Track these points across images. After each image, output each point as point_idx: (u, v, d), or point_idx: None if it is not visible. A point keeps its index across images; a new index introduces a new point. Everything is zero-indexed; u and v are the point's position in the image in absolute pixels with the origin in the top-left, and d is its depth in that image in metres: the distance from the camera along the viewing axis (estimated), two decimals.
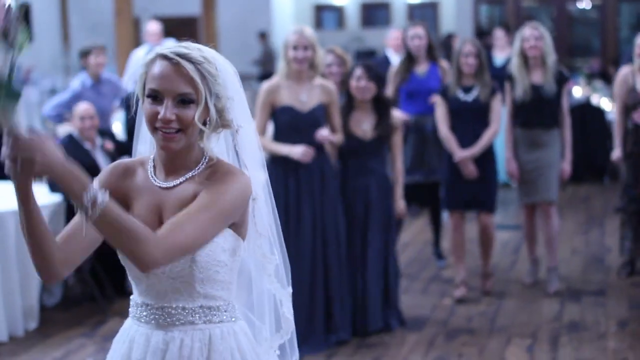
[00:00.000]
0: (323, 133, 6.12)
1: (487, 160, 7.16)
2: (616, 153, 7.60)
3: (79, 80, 8.91)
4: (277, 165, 6.13)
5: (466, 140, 7.07)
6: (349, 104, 6.48)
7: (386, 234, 6.51)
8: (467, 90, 7.07)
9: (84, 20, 17.82)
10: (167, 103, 2.54)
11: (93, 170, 7.04)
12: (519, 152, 7.43)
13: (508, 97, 7.37)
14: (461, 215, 7.31)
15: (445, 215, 8.46)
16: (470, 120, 7.08)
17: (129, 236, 2.37)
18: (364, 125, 6.44)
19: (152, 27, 10.81)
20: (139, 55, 10.72)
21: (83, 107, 7.27)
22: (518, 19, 17.37)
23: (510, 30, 13.30)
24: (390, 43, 9.97)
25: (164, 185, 2.63)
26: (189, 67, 2.55)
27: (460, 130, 7.10)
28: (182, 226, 2.46)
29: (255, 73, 17.88)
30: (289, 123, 6.12)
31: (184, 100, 2.55)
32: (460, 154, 7.06)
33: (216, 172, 2.60)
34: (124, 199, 2.63)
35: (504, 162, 7.49)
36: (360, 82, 6.37)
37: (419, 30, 8.02)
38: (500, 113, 7.17)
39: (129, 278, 2.67)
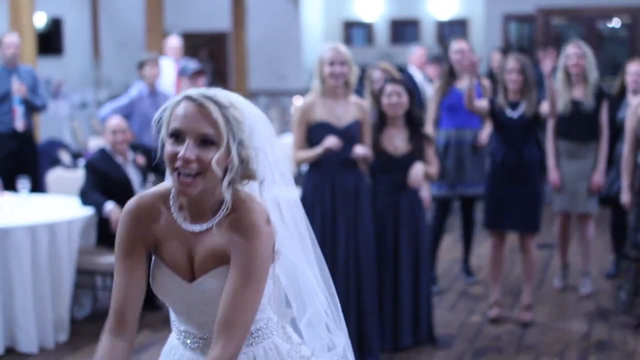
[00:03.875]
0: (359, 151, 6.12)
1: (533, 179, 7.07)
2: (625, 197, 7.05)
3: (136, 89, 9.17)
4: (315, 176, 6.16)
5: (510, 157, 6.99)
6: (381, 121, 6.44)
7: (417, 248, 6.48)
8: (513, 106, 7.00)
9: (115, 35, 17.93)
10: (188, 143, 2.51)
11: (125, 184, 7.14)
12: (560, 162, 7.75)
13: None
14: (502, 236, 7.24)
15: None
16: (515, 136, 6.99)
17: None
18: (396, 142, 6.40)
19: (174, 42, 11.00)
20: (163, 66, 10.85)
21: (115, 121, 7.32)
22: (547, 36, 17.34)
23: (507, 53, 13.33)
24: (414, 61, 9.95)
25: (190, 230, 2.62)
26: (213, 108, 2.52)
27: (505, 146, 7.01)
28: (240, 314, 2.51)
29: (284, 89, 17.95)
30: (325, 138, 6.11)
31: (205, 141, 2.52)
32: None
33: (240, 221, 2.58)
34: (153, 243, 2.66)
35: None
36: (391, 99, 6.37)
37: (462, 45, 8.03)
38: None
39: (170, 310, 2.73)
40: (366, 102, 6.43)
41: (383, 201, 6.42)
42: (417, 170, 6.33)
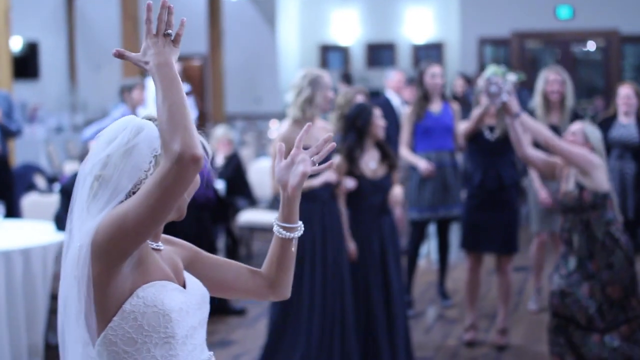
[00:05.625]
0: (350, 184, 6.17)
1: (511, 201, 7.13)
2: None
3: (119, 111, 9.09)
4: (304, 204, 6.13)
5: (489, 180, 7.07)
6: (360, 145, 6.37)
7: (398, 272, 6.46)
8: (491, 129, 7.11)
9: (91, 58, 17.93)
10: None
11: None
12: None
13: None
14: (479, 257, 7.29)
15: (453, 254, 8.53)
16: (493, 158, 7.09)
17: None
18: (372, 165, 6.36)
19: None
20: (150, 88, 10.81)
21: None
22: (523, 60, 17.46)
23: (471, 81, 13.48)
24: (391, 85, 9.99)
25: (155, 246, 2.51)
26: None
27: (483, 168, 7.10)
28: None
29: (260, 112, 17.98)
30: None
31: None
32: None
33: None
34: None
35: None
36: (381, 121, 6.37)
37: (436, 69, 8.10)
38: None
39: (170, 350, 2.42)
40: (330, 125, 6.48)
41: (367, 227, 6.33)
42: (398, 192, 6.39)
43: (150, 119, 2.49)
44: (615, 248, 5.63)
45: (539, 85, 7.70)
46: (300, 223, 2.66)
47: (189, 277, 2.56)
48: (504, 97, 6.72)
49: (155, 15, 2.39)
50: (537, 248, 8.18)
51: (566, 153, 5.67)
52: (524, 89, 13.44)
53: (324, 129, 6.22)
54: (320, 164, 2.68)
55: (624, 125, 7.69)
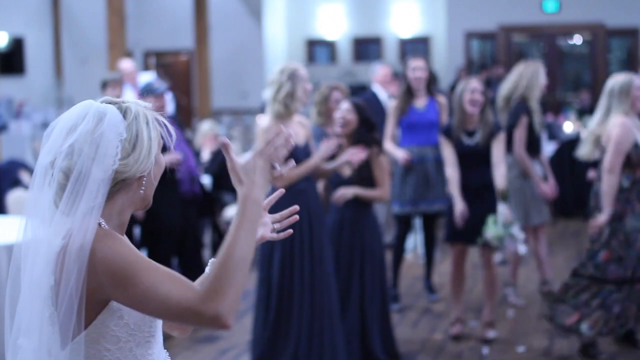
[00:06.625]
0: (355, 156, 6.18)
1: (491, 193, 7.11)
2: (602, 218, 6.37)
3: None
4: (289, 199, 6.13)
5: (472, 179, 7.02)
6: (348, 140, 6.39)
7: (362, 268, 6.38)
8: (470, 133, 7.03)
9: (77, 53, 17.87)
10: None
11: None
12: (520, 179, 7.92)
13: (524, 128, 7.69)
14: (462, 250, 7.27)
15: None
16: (475, 164, 7.02)
17: None
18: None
19: (126, 65, 10.51)
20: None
21: None
22: (509, 53, 17.47)
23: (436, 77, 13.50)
24: (378, 79, 9.96)
25: None
26: None
27: (466, 173, 7.03)
28: None
29: (247, 107, 17.95)
30: (291, 158, 5.99)
31: None
32: (460, 206, 6.92)
33: None
34: None
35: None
36: (339, 113, 6.35)
37: (420, 63, 8.07)
38: (503, 154, 7.11)
39: (148, 349, 2.39)
40: (307, 120, 6.48)
41: (330, 219, 6.39)
42: (343, 192, 6.29)
43: (110, 103, 2.39)
44: None
45: (538, 78, 7.84)
46: None
47: None
48: (520, 249, 6.85)
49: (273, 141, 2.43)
50: None
51: None
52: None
53: (301, 124, 6.21)
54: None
55: None
